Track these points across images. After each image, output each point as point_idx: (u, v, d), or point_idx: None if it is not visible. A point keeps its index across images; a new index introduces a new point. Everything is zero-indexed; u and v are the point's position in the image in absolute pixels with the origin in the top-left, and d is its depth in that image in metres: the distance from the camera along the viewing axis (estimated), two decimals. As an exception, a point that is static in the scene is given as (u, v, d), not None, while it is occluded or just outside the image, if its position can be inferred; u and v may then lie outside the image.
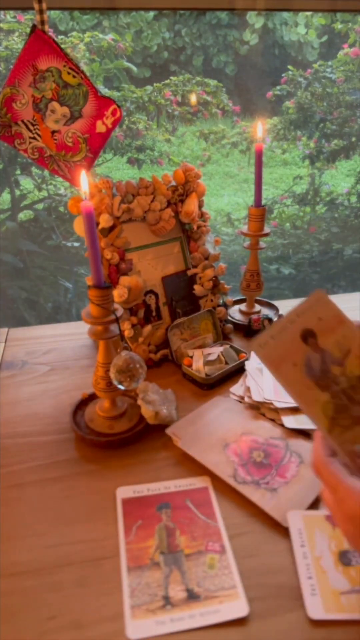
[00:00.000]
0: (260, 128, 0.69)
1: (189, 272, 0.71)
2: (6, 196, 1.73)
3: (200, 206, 0.72)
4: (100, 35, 1.71)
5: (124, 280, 0.64)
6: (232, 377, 0.65)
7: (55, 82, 0.64)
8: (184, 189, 0.70)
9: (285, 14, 2.23)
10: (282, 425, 0.56)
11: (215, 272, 0.72)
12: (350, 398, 0.36)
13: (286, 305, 0.79)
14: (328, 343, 0.36)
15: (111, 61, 1.77)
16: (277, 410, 0.57)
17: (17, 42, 1.55)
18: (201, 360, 0.64)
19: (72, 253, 1.70)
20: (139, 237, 0.67)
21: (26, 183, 1.76)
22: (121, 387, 0.52)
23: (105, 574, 0.42)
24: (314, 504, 0.47)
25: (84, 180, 0.48)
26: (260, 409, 0.58)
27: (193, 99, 1.86)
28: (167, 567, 0.42)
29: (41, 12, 0.63)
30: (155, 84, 1.85)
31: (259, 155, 0.70)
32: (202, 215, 0.73)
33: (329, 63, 1.97)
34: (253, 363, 0.65)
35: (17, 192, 1.73)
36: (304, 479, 0.49)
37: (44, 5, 0.63)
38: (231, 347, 0.68)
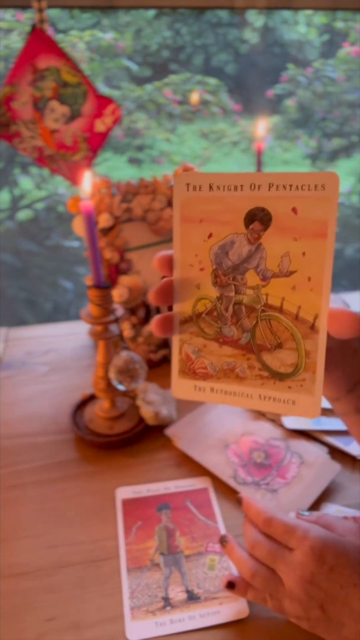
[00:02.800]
0: (262, 126, 0.69)
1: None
2: (5, 195, 1.73)
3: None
4: (100, 34, 1.71)
5: (124, 280, 0.64)
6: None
7: (55, 81, 0.64)
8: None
9: (285, 13, 2.22)
10: (282, 425, 0.56)
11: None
12: (234, 314, 0.28)
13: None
14: (275, 246, 0.27)
15: (111, 60, 1.77)
16: (280, 415, 0.57)
17: (16, 41, 1.55)
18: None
19: (72, 253, 1.69)
20: (139, 237, 0.67)
21: (25, 182, 1.76)
22: (121, 387, 0.52)
23: (104, 575, 0.42)
24: (315, 505, 0.47)
25: (88, 180, 0.48)
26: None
27: (194, 97, 1.86)
28: (167, 568, 0.42)
29: (40, 10, 0.63)
30: (155, 83, 1.85)
31: (259, 154, 0.69)
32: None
33: (330, 62, 1.97)
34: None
35: (17, 192, 1.73)
36: (305, 480, 0.49)
37: (44, 4, 0.63)
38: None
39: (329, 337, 0.28)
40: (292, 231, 0.26)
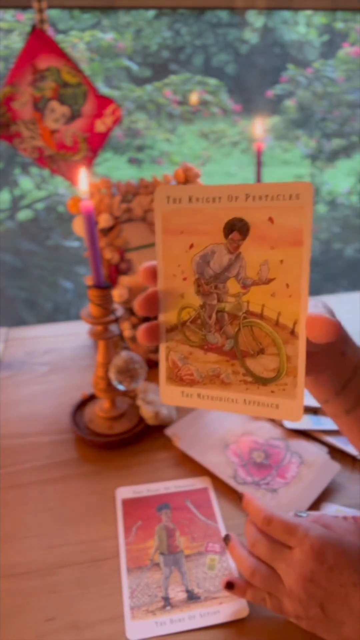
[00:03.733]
0: (259, 126, 0.69)
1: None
2: (5, 195, 1.73)
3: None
4: (100, 35, 1.71)
5: (124, 280, 0.64)
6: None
7: (55, 82, 0.64)
8: (184, 188, 0.69)
9: (285, 13, 2.22)
10: (282, 425, 0.56)
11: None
12: (217, 322, 0.29)
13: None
14: (254, 255, 0.27)
15: (111, 60, 1.77)
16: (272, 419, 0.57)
17: (16, 41, 1.55)
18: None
19: (72, 253, 1.69)
20: (139, 237, 0.67)
21: (25, 182, 1.76)
22: (121, 387, 0.52)
23: (104, 575, 0.42)
24: (315, 505, 0.47)
25: (84, 179, 0.48)
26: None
27: (194, 97, 1.86)
28: (167, 568, 0.42)
29: (40, 10, 0.63)
30: (155, 83, 1.85)
31: (259, 155, 0.69)
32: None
33: (330, 62, 1.97)
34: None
35: (17, 192, 1.73)
36: (305, 479, 0.49)
37: (44, 4, 0.63)
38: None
39: (311, 344, 0.28)
40: (270, 240, 0.27)
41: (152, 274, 0.30)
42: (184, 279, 0.29)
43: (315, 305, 0.29)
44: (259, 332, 0.28)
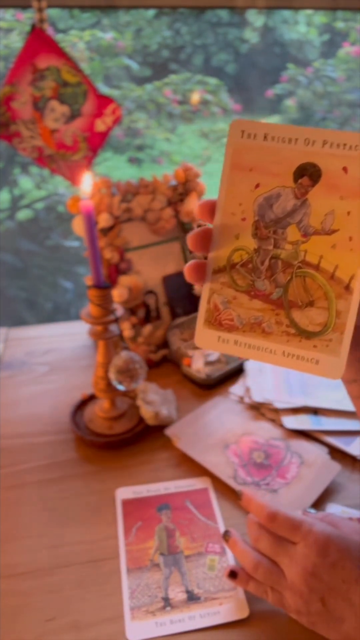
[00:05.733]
0: None
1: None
2: (5, 195, 1.73)
3: (200, 205, 0.71)
4: (100, 34, 1.71)
5: (124, 280, 0.64)
6: (232, 377, 0.65)
7: (55, 81, 0.64)
8: (184, 188, 0.69)
9: (285, 12, 2.22)
10: (282, 426, 0.56)
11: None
12: (269, 268, 0.28)
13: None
14: (321, 203, 0.27)
15: (111, 59, 1.77)
16: (277, 411, 0.57)
17: (16, 41, 1.55)
18: (201, 360, 0.64)
19: (72, 253, 1.69)
20: (139, 237, 0.67)
21: (25, 182, 1.76)
22: (121, 387, 0.52)
23: (104, 575, 0.42)
24: (315, 505, 0.47)
25: (88, 182, 0.48)
26: (260, 410, 0.58)
27: (195, 97, 1.86)
28: (167, 569, 0.42)
29: (40, 10, 0.63)
30: (155, 83, 1.85)
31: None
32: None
33: (330, 61, 1.97)
34: (253, 363, 0.65)
35: (17, 192, 1.73)
36: (305, 480, 0.49)
37: (43, 4, 0.63)
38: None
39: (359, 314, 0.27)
40: (340, 190, 0.26)
41: (211, 209, 0.29)
42: (243, 219, 0.28)
43: None
44: (311, 283, 0.27)
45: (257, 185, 0.28)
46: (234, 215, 0.28)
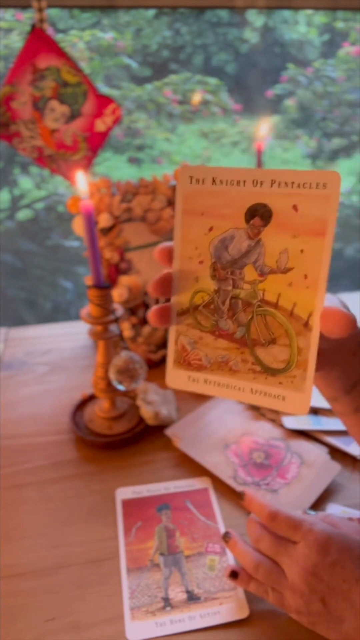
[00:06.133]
0: (265, 127, 0.68)
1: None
2: (5, 195, 1.73)
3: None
4: (100, 34, 1.71)
5: (124, 280, 0.64)
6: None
7: (55, 81, 0.64)
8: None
9: (285, 12, 2.22)
10: (282, 426, 0.56)
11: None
12: (230, 308, 0.29)
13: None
14: (274, 242, 0.27)
15: (111, 59, 1.77)
16: (277, 411, 0.57)
17: (16, 41, 1.55)
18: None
19: (72, 253, 1.69)
20: (139, 237, 0.67)
21: (25, 182, 1.76)
22: (121, 387, 0.52)
23: (104, 576, 0.42)
24: (315, 505, 0.47)
25: (82, 181, 0.48)
26: (260, 410, 0.58)
27: (197, 97, 1.86)
28: (167, 569, 0.42)
29: (40, 10, 0.63)
30: (155, 83, 1.85)
31: (259, 154, 0.69)
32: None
33: (330, 61, 1.97)
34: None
35: (17, 192, 1.73)
36: (305, 480, 0.49)
37: (43, 4, 0.63)
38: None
39: (326, 337, 0.28)
40: (292, 228, 0.26)
41: (168, 255, 0.29)
42: (201, 262, 0.29)
43: (331, 300, 0.28)
44: (272, 321, 0.28)
45: (211, 229, 0.28)
46: (191, 259, 0.29)
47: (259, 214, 0.27)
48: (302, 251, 0.26)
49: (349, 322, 0.26)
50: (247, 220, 0.27)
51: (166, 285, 0.29)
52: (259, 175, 0.27)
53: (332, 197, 0.25)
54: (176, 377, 0.31)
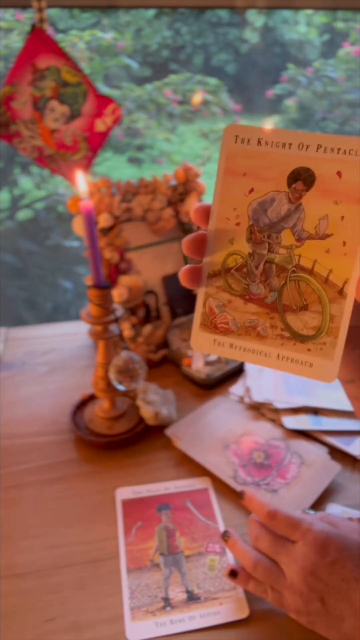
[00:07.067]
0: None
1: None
2: (5, 195, 1.73)
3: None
4: (100, 34, 1.71)
5: (124, 280, 0.64)
6: (232, 377, 0.65)
7: (55, 81, 0.64)
8: (184, 188, 0.69)
9: (285, 12, 2.22)
10: (282, 426, 0.56)
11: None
12: (264, 272, 0.28)
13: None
14: (315, 208, 0.26)
15: (111, 59, 1.77)
16: (277, 411, 0.57)
17: (16, 41, 1.55)
18: (201, 360, 0.64)
19: (72, 253, 1.69)
20: (139, 237, 0.67)
21: (25, 182, 1.76)
22: (121, 387, 0.52)
23: (104, 576, 0.42)
24: (315, 505, 0.47)
25: (82, 181, 0.48)
26: (260, 410, 0.58)
27: (197, 97, 1.86)
28: (167, 569, 0.42)
29: (40, 10, 0.63)
30: (155, 83, 1.85)
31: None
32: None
33: (330, 61, 1.97)
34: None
35: (17, 192, 1.73)
36: (305, 480, 0.49)
37: (43, 4, 0.63)
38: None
39: (355, 315, 0.27)
40: (334, 194, 0.26)
41: (205, 214, 0.29)
42: (237, 223, 0.28)
43: None
44: (305, 287, 0.28)
45: (251, 190, 0.28)
46: (229, 220, 0.28)
47: (302, 178, 0.27)
48: (342, 218, 0.26)
49: None
50: (289, 184, 0.27)
51: (200, 244, 0.29)
52: (305, 139, 0.26)
53: None
54: (201, 340, 0.30)
